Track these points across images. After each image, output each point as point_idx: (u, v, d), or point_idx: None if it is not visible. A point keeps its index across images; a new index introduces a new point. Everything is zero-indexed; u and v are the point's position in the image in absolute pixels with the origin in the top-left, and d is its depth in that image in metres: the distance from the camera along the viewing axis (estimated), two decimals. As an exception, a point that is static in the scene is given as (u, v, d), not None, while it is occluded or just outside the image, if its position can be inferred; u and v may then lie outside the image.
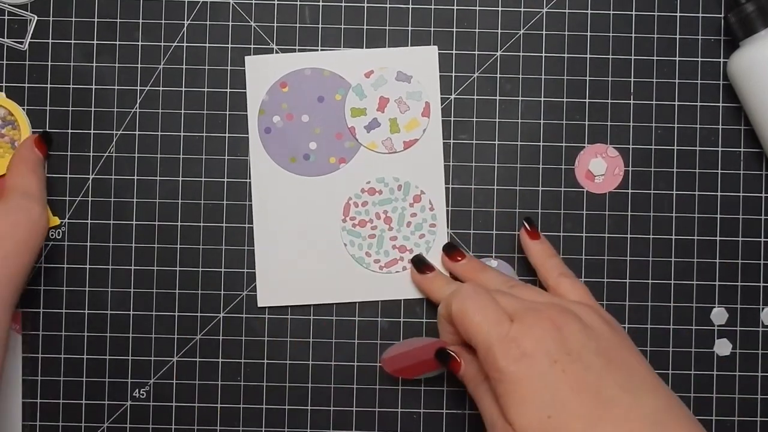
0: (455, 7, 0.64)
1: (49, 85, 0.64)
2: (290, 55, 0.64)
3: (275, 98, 0.64)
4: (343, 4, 0.64)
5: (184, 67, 0.64)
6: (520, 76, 0.65)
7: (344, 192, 0.64)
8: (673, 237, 0.64)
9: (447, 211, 0.64)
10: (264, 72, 0.64)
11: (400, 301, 0.64)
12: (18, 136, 0.63)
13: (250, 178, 0.64)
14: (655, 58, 0.65)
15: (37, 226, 0.58)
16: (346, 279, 0.64)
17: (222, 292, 0.64)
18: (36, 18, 0.64)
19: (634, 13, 0.65)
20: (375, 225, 0.64)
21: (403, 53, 0.64)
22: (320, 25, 0.64)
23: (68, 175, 0.64)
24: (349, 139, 0.64)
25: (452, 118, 0.64)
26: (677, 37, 0.65)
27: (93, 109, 0.64)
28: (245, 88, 0.64)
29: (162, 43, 0.64)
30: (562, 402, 0.51)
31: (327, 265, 0.64)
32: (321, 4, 0.64)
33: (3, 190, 0.60)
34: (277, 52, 0.64)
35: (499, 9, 0.64)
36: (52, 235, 0.64)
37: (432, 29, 0.64)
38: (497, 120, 0.64)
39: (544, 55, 0.65)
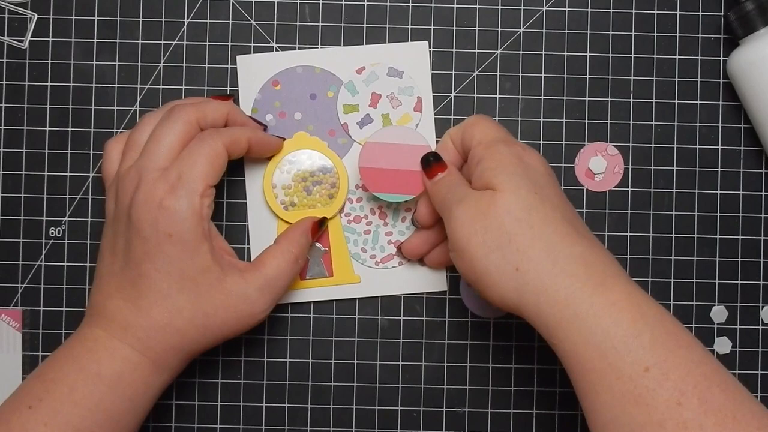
0: (455, 6, 0.64)
1: (49, 84, 0.64)
2: (282, 54, 0.64)
3: (268, 96, 0.64)
4: (343, 3, 0.64)
5: (184, 65, 0.64)
6: (520, 74, 0.65)
7: (347, 196, 0.64)
8: (673, 235, 0.64)
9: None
10: (256, 71, 0.64)
11: (400, 299, 0.64)
12: (337, 183, 0.63)
13: (245, 176, 0.64)
14: (654, 56, 0.65)
15: (245, 326, 0.58)
16: None
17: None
18: (36, 16, 0.64)
19: (633, 11, 0.65)
20: (370, 221, 0.64)
21: (394, 49, 0.64)
22: (320, 24, 0.64)
23: (68, 174, 0.64)
24: (342, 135, 0.64)
25: (452, 117, 0.64)
26: (677, 35, 0.65)
27: (93, 107, 0.64)
28: (244, 87, 0.64)
29: (162, 42, 0.64)
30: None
31: (326, 263, 0.64)
32: (321, 2, 0.64)
33: (258, 262, 0.58)
34: (277, 50, 0.64)
35: (499, 7, 0.64)
36: (52, 233, 0.64)
37: (432, 27, 0.64)
38: (497, 118, 0.64)
39: (544, 53, 0.65)
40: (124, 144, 0.59)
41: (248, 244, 0.64)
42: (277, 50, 0.64)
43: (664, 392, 0.49)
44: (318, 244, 0.63)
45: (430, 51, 0.64)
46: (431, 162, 0.59)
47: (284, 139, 0.63)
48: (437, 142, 0.64)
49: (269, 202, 0.63)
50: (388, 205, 0.64)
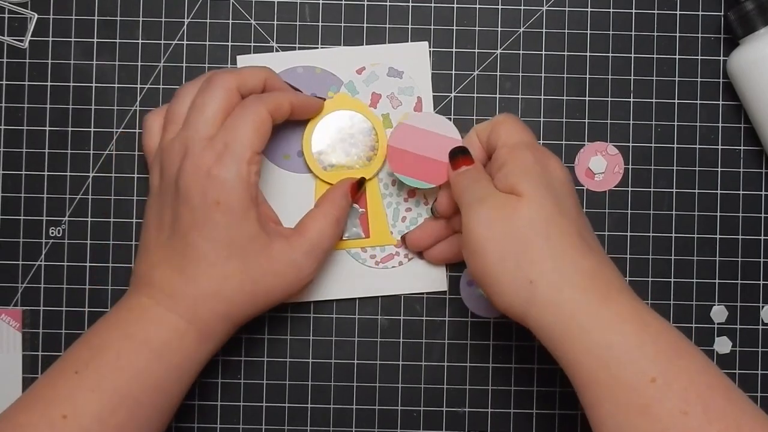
0: (455, 5, 0.64)
1: (49, 83, 0.64)
2: (282, 54, 0.64)
3: None
4: (343, 2, 0.64)
5: (184, 65, 0.64)
6: (520, 74, 0.65)
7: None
8: (673, 235, 0.64)
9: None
10: None
11: (400, 299, 0.64)
12: (376, 146, 0.63)
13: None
14: (654, 56, 0.65)
15: (293, 291, 0.58)
16: (343, 275, 0.64)
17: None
18: (36, 16, 0.64)
19: (633, 11, 0.65)
20: None
21: (394, 49, 0.64)
22: (320, 23, 0.64)
23: (68, 173, 0.64)
24: (343, 135, 0.64)
25: (452, 116, 0.64)
26: (677, 35, 0.65)
27: (93, 107, 0.64)
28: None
29: (162, 41, 0.64)
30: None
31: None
32: (321, 2, 0.64)
33: (301, 227, 0.59)
34: (277, 50, 0.64)
35: (499, 7, 0.65)
36: (53, 233, 0.64)
37: (432, 27, 0.64)
38: (497, 118, 0.64)
39: (544, 53, 0.65)
40: (163, 117, 0.59)
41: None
42: (277, 50, 0.64)
43: (668, 402, 0.49)
44: (355, 205, 0.63)
45: (430, 51, 0.64)
46: (459, 154, 0.59)
47: (324, 100, 0.63)
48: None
49: (309, 162, 0.63)
50: (388, 205, 0.64)
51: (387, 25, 0.64)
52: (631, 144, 0.65)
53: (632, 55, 0.65)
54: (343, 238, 0.63)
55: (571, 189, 0.56)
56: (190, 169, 0.55)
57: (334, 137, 0.63)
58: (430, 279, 0.64)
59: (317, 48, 0.64)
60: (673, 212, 0.65)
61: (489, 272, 0.53)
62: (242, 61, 0.64)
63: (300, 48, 0.64)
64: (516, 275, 0.53)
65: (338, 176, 0.63)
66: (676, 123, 0.65)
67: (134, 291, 0.57)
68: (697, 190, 0.65)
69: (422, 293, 0.64)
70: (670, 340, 0.51)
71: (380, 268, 0.64)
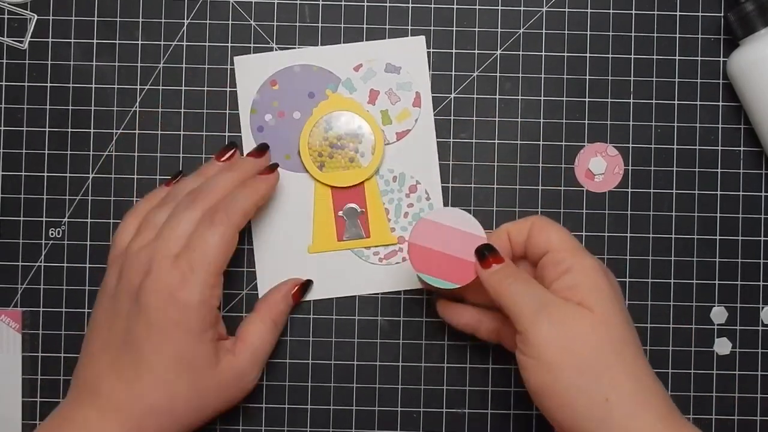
0: (455, 6, 0.64)
1: (48, 84, 0.64)
2: (279, 53, 0.64)
3: (266, 96, 0.64)
4: (342, 3, 0.64)
5: (183, 66, 0.64)
6: (520, 75, 0.65)
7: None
8: (673, 236, 0.64)
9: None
10: (254, 71, 0.64)
11: (400, 300, 0.64)
12: (366, 153, 0.63)
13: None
14: (654, 57, 0.65)
15: (237, 400, 0.59)
16: (345, 272, 0.64)
17: (222, 291, 0.64)
18: (36, 17, 0.64)
19: (633, 12, 0.65)
20: None
21: (391, 45, 0.64)
22: (320, 24, 0.64)
23: (68, 174, 0.64)
24: (341, 134, 0.64)
25: (452, 117, 0.64)
26: (677, 36, 0.65)
27: (93, 108, 0.64)
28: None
29: (162, 42, 0.64)
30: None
31: (326, 259, 0.64)
32: (321, 2, 0.64)
33: (242, 334, 0.59)
34: (276, 51, 0.64)
35: (499, 8, 0.64)
36: (52, 234, 0.64)
37: (432, 28, 0.64)
38: (497, 119, 0.64)
39: (543, 54, 0.65)
40: (140, 219, 0.59)
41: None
42: (276, 51, 0.64)
43: None
44: (355, 205, 0.63)
45: (429, 51, 0.64)
46: (487, 254, 0.56)
47: (277, 165, 0.62)
48: (437, 142, 0.64)
49: (305, 163, 0.63)
50: (389, 201, 0.64)
51: (387, 26, 0.64)
52: (631, 145, 0.65)
53: (632, 56, 0.65)
54: (344, 239, 0.63)
55: (622, 297, 0.56)
56: (153, 287, 0.55)
57: (331, 138, 0.63)
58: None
59: (306, 47, 0.64)
60: (673, 213, 0.65)
61: (562, 386, 0.52)
62: (239, 61, 0.64)
63: (300, 48, 0.64)
64: (592, 394, 0.52)
65: (335, 177, 0.63)
66: (675, 124, 0.65)
67: (77, 400, 0.56)
68: (696, 191, 0.65)
69: (422, 296, 0.64)
70: None
71: (383, 264, 0.64)
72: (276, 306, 0.61)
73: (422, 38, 0.64)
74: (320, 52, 0.64)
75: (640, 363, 0.53)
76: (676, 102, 0.65)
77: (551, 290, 0.55)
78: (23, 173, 0.64)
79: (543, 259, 0.56)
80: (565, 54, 0.65)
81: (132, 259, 0.57)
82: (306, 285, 0.63)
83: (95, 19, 0.64)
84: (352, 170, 0.63)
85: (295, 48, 0.64)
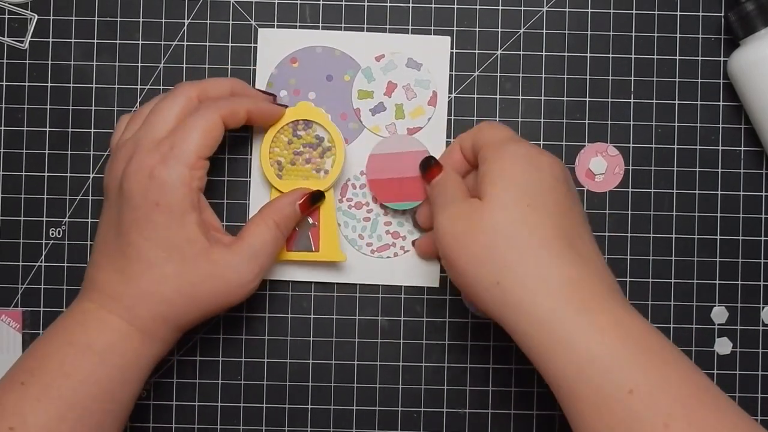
0: (455, 6, 0.64)
1: (49, 84, 0.64)
2: (303, 32, 0.64)
3: (284, 73, 0.64)
4: (343, 3, 0.64)
5: (184, 66, 0.64)
6: (521, 75, 0.65)
7: (343, 172, 0.64)
8: (674, 236, 0.64)
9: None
10: (276, 46, 0.64)
11: (401, 300, 0.64)
12: (327, 165, 0.63)
13: (250, 177, 0.64)
14: (655, 56, 0.65)
15: (235, 297, 0.58)
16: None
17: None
18: (36, 17, 0.64)
19: (634, 12, 0.65)
20: (371, 208, 0.64)
21: (416, 41, 0.64)
22: (320, 24, 0.64)
23: (68, 174, 0.64)
24: (354, 120, 0.64)
25: (453, 117, 0.64)
26: (677, 35, 0.65)
27: (93, 108, 0.64)
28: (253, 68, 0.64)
29: (162, 42, 0.64)
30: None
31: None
32: (321, 3, 0.64)
33: (241, 233, 0.58)
34: (301, 30, 0.64)
35: (500, 8, 0.64)
36: (53, 234, 0.64)
37: (432, 28, 0.64)
38: (497, 119, 0.64)
39: (544, 54, 0.65)
40: None
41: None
42: (299, 29, 0.64)
43: (650, 415, 0.47)
44: (308, 217, 0.63)
45: (452, 52, 0.64)
46: (427, 165, 0.59)
47: (286, 107, 0.62)
48: (447, 143, 0.64)
49: (264, 168, 0.62)
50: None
51: (387, 26, 0.64)
52: (631, 145, 0.65)
53: (632, 56, 0.65)
54: (292, 250, 0.63)
55: (559, 185, 0.54)
56: (133, 169, 0.55)
57: (288, 145, 0.63)
58: (423, 274, 0.64)
59: (330, 29, 0.64)
60: (674, 213, 0.65)
61: (460, 274, 0.53)
62: (263, 34, 0.64)
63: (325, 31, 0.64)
64: (485, 279, 0.52)
65: (292, 185, 0.62)
66: (676, 124, 0.65)
67: (80, 295, 0.57)
68: (697, 191, 0.64)
69: (422, 295, 0.64)
70: (653, 348, 0.50)
71: (375, 257, 0.64)
72: (281, 209, 0.60)
73: (447, 38, 0.64)
74: (345, 36, 0.64)
75: (542, 244, 0.52)
76: (676, 102, 0.65)
77: (472, 192, 0.56)
78: (23, 173, 0.64)
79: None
80: (566, 54, 0.65)
81: (120, 148, 0.57)
82: (316, 196, 0.61)
83: (96, 19, 0.64)
84: (311, 181, 0.63)
85: (318, 29, 0.64)
